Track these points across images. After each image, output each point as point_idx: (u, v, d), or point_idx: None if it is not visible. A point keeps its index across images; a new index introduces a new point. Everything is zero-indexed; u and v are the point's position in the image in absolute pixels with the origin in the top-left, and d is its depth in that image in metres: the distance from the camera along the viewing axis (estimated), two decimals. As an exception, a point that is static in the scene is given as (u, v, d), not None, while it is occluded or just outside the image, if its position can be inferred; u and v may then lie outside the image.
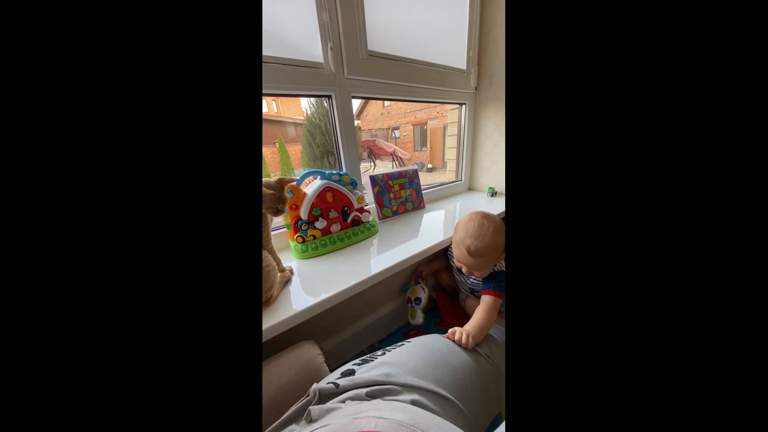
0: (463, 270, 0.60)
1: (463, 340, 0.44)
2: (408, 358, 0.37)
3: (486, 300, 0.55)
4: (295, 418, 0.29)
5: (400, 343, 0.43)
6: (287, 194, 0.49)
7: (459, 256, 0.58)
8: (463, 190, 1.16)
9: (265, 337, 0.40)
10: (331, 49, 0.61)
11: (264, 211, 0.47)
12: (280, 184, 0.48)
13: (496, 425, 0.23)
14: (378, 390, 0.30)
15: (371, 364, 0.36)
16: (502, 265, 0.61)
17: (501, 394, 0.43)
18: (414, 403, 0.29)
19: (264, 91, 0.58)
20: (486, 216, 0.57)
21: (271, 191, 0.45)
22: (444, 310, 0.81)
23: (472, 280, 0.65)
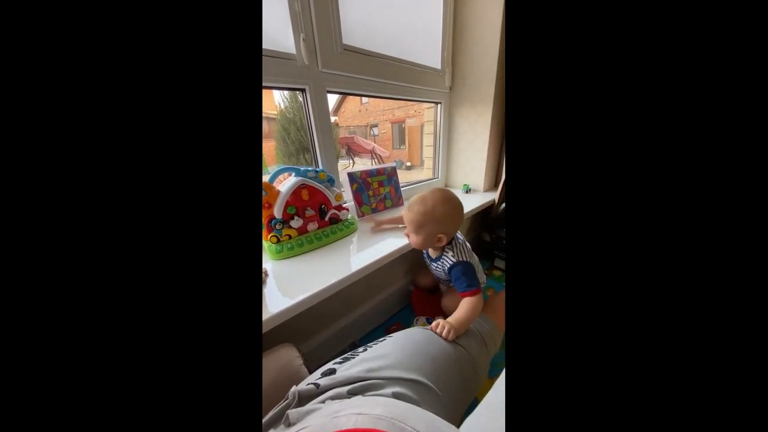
0: (409, 237, 0.59)
1: (444, 333, 0.46)
2: (389, 351, 0.38)
3: (466, 300, 0.54)
4: (272, 424, 0.28)
5: (381, 339, 0.43)
6: None
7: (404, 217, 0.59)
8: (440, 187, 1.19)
9: (237, 344, 0.38)
10: (303, 40, 0.59)
11: None
12: None
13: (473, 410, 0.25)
14: (360, 386, 0.30)
15: (352, 361, 0.35)
16: (464, 254, 0.59)
17: (476, 381, 0.45)
18: (395, 395, 0.29)
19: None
20: (434, 189, 0.58)
21: None
22: (417, 309, 0.84)
23: (437, 270, 0.66)
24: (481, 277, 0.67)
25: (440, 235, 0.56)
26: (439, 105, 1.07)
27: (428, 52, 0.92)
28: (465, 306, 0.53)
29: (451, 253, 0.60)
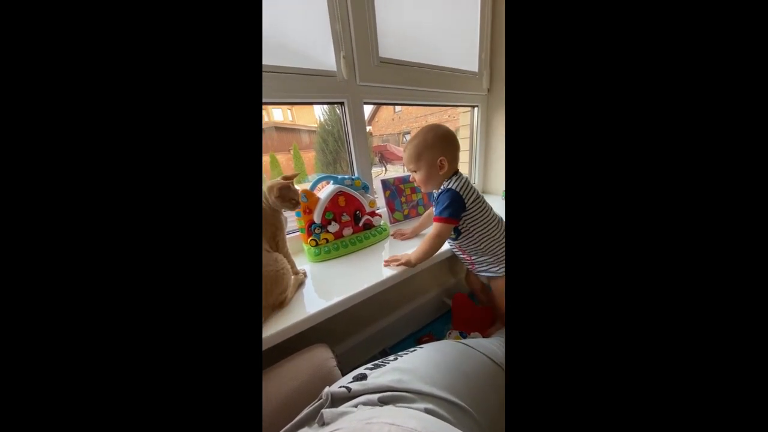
0: (415, 181, 0.61)
1: (402, 260, 0.51)
2: (420, 364, 0.36)
3: (433, 227, 0.56)
4: (307, 421, 0.29)
5: (412, 349, 0.42)
6: (295, 187, 0.51)
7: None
8: (477, 193, 1.13)
9: (279, 339, 0.41)
10: (343, 57, 0.63)
11: (283, 207, 0.49)
12: (286, 179, 0.50)
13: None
14: (390, 396, 0.29)
15: (383, 369, 0.35)
16: (460, 184, 0.56)
17: None
18: (428, 411, 0.28)
19: (279, 100, 0.61)
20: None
21: (287, 184, 0.48)
22: (456, 318, 0.79)
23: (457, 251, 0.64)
24: (482, 215, 0.58)
25: (440, 159, 0.56)
26: (475, 108, 1.03)
27: (465, 55, 0.90)
28: (426, 236, 0.56)
29: (446, 184, 0.57)
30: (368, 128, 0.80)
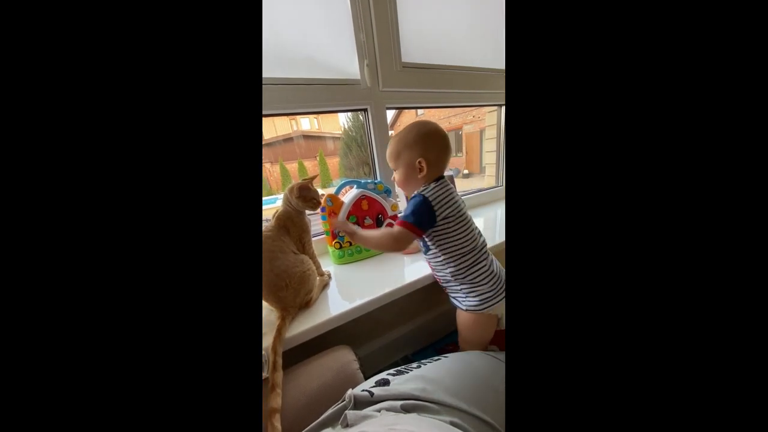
0: (395, 179, 0.55)
1: (349, 229, 0.49)
2: (445, 375, 0.35)
3: (395, 226, 0.49)
4: (331, 422, 0.30)
5: (436, 358, 0.41)
6: (313, 187, 0.53)
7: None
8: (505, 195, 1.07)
9: (305, 338, 0.42)
10: (367, 65, 0.65)
11: (305, 207, 0.51)
12: (305, 180, 0.52)
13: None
14: (414, 405, 0.29)
15: (406, 376, 0.35)
16: (435, 193, 0.49)
17: None
18: (454, 425, 0.27)
19: (307, 110, 0.64)
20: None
21: (305, 184, 0.50)
22: None
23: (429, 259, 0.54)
24: (456, 236, 0.49)
25: (419, 160, 0.49)
26: (502, 107, 0.98)
27: (491, 52, 0.87)
28: (382, 229, 0.52)
29: (421, 190, 0.50)
30: (390, 132, 0.81)
